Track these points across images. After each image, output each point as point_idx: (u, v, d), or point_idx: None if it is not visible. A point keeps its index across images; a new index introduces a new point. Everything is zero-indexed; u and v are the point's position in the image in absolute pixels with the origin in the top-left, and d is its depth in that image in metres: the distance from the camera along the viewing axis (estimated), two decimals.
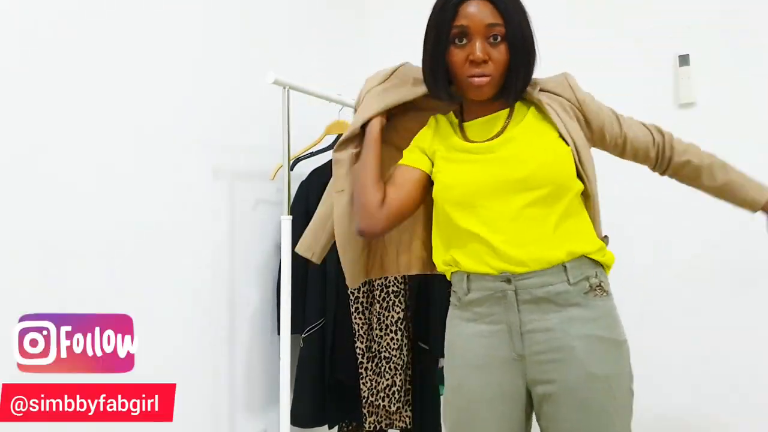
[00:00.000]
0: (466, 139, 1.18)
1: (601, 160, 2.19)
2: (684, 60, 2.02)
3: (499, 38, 1.10)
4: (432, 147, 1.20)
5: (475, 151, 1.16)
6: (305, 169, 1.91)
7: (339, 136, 1.87)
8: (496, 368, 1.12)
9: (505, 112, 1.18)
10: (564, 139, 1.13)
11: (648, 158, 1.25)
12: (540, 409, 1.12)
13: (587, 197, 1.16)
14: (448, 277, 1.21)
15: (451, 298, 1.21)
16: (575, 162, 1.12)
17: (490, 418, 1.11)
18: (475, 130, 1.19)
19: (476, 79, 1.10)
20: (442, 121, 1.24)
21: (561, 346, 1.08)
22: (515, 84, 1.13)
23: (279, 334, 1.65)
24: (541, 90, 1.19)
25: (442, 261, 1.20)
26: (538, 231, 1.09)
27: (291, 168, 1.67)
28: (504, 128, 1.16)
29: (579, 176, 1.13)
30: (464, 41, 1.10)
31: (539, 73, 1.22)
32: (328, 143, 1.92)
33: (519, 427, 1.13)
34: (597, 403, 1.07)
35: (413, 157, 1.21)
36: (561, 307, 1.09)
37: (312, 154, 1.90)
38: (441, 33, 1.12)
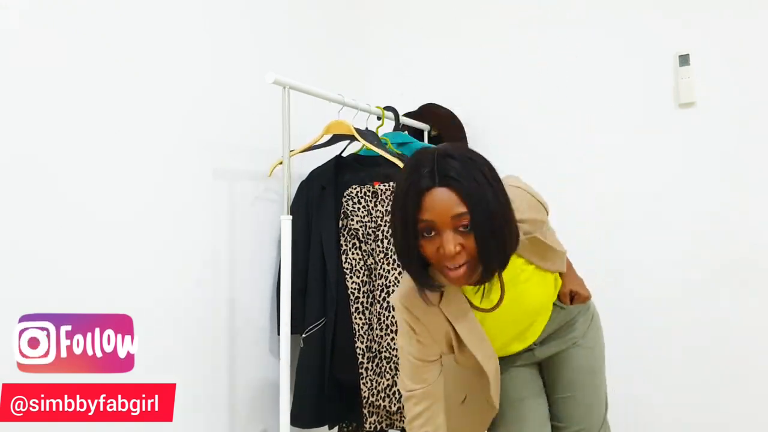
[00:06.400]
0: (472, 305, 1.23)
1: (599, 159, 2.18)
2: (684, 60, 2.02)
3: (467, 226, 1.04)
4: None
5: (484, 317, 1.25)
6: (305, 169, 1.91)
7: (336, 135, 1.87)
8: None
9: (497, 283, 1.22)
10: (540, 267, 1.25)
11: None
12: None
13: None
14: None
15: None
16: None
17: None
18: (475, 297, 1.22)
19: (452, 273, 1.07)
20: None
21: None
22: (491, 267, 1.10)
23: (279, 334, 1.66)
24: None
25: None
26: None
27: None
28: (501, 299, 1.23)
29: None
30: (432, 233, 1.06)
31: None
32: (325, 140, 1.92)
33: None
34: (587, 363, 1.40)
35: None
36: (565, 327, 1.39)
37: (313, 148, 1.88)
38: (408, 224, 1.06)
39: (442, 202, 1.04)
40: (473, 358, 1.23)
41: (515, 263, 1.20)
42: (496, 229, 1.06)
